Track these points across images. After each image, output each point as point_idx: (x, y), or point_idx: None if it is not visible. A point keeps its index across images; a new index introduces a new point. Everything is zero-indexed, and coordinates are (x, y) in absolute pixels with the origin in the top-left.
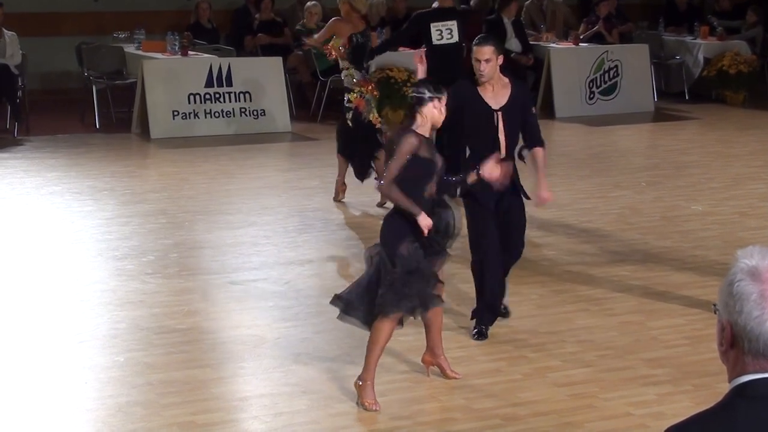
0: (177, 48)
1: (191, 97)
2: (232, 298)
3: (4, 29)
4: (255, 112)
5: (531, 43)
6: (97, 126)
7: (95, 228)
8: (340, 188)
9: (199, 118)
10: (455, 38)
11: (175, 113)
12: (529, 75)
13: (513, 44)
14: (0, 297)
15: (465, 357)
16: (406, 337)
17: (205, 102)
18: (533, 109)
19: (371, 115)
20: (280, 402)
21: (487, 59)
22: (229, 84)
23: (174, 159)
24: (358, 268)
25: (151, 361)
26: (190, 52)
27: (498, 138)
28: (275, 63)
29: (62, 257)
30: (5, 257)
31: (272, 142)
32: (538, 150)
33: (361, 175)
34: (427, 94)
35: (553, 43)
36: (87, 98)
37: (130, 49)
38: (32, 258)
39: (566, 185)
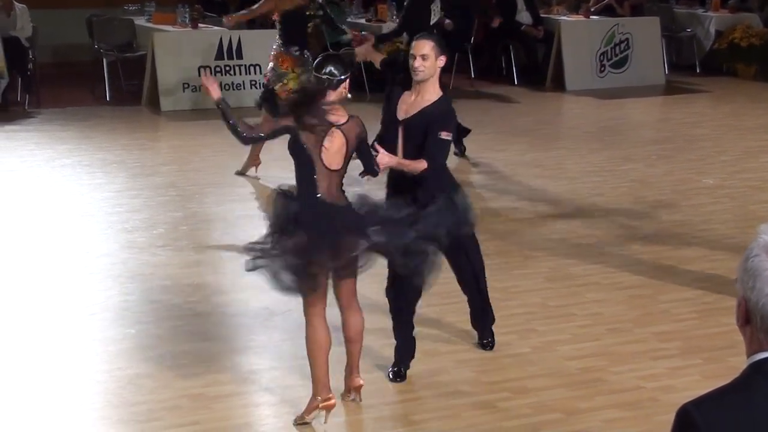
0: (187, 20)
1: (201, 69)
2: (242, 271)
3: (14, 2)
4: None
5: (542, 15)
6: (108, 98)
7: (105, 201)
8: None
9: None
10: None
11: (186, 86)
12: (539, 47)
13: (524, 17)
14: (10, 270)
15: (474, 331)
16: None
17: (215, 74)
18: (443, 133)
19: (278, 86)
20: (290, 375)
21: (423, 54)
22: (240, 57)
23: (184, 132)
24: None
25: (161, 333)
26: (200, 25)
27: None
28: None
29: (72, 230)
30: (16, 230)
31: None
32: (421, 160)
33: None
34: (337, 76)
35: (564, 15)
36: (97, 71)
37: (140, 21)
38: (42, 231)
39: (576, 158)
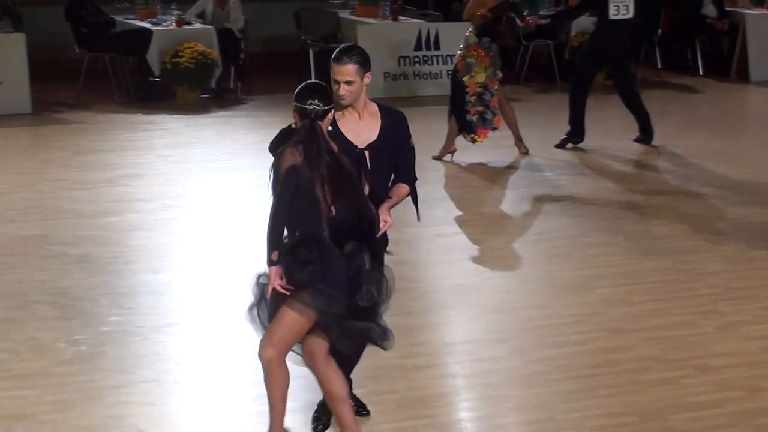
0: (388, 13)
1: (401, 59)
2: (438, 249)
3: None
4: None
5: (727, 9)
6: None
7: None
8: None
9: (408, 79)
10: (630, 14)
11: (386, 75)
12: (724, 40)
13: (710, 10)
14: (234, 253)
15: (660, 310)
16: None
17: (414, 64)
18: (410, 141)
19: (466, 77)
20: (482, 348)
21: (348, 81)
22: (437, 48)
23: None
24: (555, 224)
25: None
26: (400, 17)
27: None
28: None
29: None
30: (231, 212)
31: None
32: (402, 185)
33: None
34: (322, 107)
35: (749, 9)
36: (304, 60)
37: (344, 14)
38: (255, 213)
39: (760, 147)
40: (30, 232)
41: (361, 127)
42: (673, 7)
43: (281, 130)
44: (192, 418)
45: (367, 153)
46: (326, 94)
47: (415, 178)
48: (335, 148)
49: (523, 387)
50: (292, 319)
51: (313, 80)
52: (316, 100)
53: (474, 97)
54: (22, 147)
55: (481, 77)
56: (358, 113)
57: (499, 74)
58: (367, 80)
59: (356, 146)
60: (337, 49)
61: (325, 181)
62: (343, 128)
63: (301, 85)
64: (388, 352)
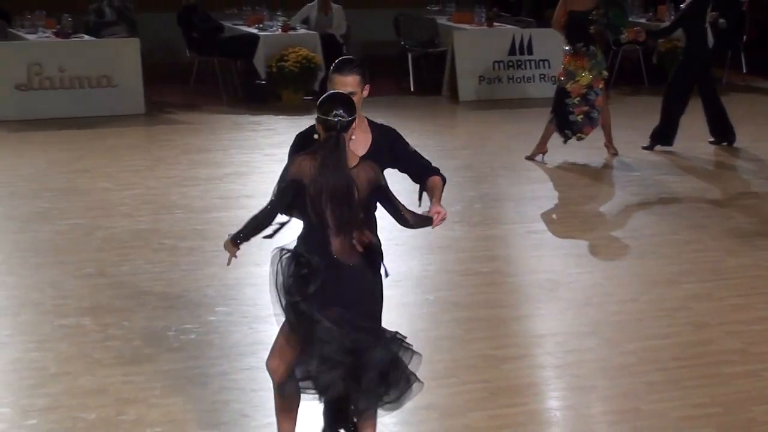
0: (483, 19)
1: (496, 64)
2: (530, 245)
3: (331, 3)
4: (553, 78)
5: None
6: (412, 89)
7: (408, 180)
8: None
9: (502, 83)
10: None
11: (481, 78)
12: None
13: None
14: None
15: (744, 305)
16: None
17: (508, 68)
18: (409, 146)
19: (568, 84)
20: (572, 341)
21: (350, 92)
22: (530, 52)
23: (480, 119)
24: (643, 222)
25: (457, 300)
26: (495, 24)
27: None
28: None
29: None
30: None
31: None
32: (434, 178)
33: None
34: (347, 118)
35: None
36: (403, 65)
37: (441, 20)
38: None
39: None
40: (143, 226)
41: (356, 143)
42: (760, 12)
43: (299, 135)
44: None
45: None
46: (350, 104)
47: (438, 169)
48: (351, 164)
49: (610, 378)
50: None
51: (337, 90)
52: (341, 111)
53: (578, 99)
54: (136, 145)
55: (585, 80)
56: (353, 130)
57: (605, 73)
58: (365, 93)
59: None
60: (338, 61)
61: (329, 196)
62: None
63: (325, 95)
64: (481, 343)
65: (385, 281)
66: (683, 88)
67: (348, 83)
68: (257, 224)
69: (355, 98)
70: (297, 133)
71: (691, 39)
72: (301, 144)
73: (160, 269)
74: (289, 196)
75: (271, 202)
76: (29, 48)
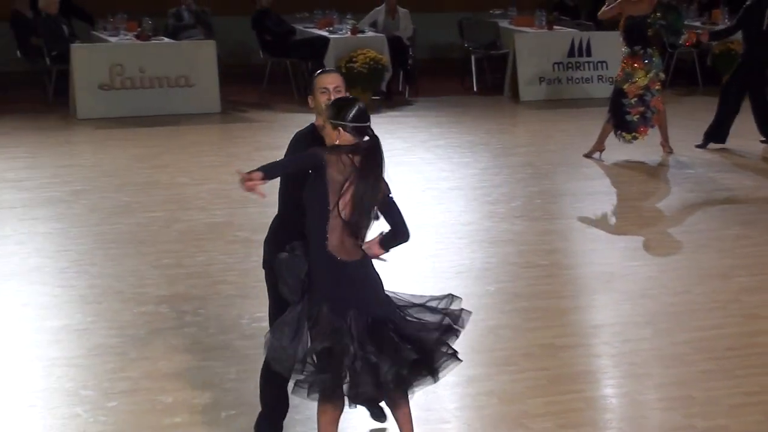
0: (544, 23)
1: (556, 65)
2: (588, 239)
3: (398, 6)
4: (611, 79)
5: None
6: (475, 89)
7: (472, 176)
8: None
9: (562, 83)
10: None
11: (542, 79)
12: None
13: None
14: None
15: None
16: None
17: (567, 70)
18: None
19: (625, 85)
20: (628, 330)
21: (338, 88)
22: (589, 54)
23: (540, 118)
24: (698, 217)
25: (517, 291)
26: (555, 27)
27: None
28: None
29: (442, 200)
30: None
31: None
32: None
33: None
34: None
35: None
36: (466, 66)
37: (503, 23)
38: (417, 200)
39: None
40: (217, 219)
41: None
42: None
43: (298, 133)
44: None
45: None
46: (365, 110)
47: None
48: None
49: (664, 366)
50: None
51: (349, 96)
52: (367, 119)
53: (634, 100)
54: (212, 143)
55: (642, 81)
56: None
57: (661, 75)
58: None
59: None
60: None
61: (371, 203)
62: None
63: (356, 105)
64: (540, 332)
65: (448, 272)
66: (739, 88)
67: (333, 80)
68: (278, 167)
69: (341, 95)
70: (296, 132)
71: (749, 42)
72: (301, 143)
73: (234, 260)
74: (305, 165)
75: (285, 159)
76: (111, 50)
